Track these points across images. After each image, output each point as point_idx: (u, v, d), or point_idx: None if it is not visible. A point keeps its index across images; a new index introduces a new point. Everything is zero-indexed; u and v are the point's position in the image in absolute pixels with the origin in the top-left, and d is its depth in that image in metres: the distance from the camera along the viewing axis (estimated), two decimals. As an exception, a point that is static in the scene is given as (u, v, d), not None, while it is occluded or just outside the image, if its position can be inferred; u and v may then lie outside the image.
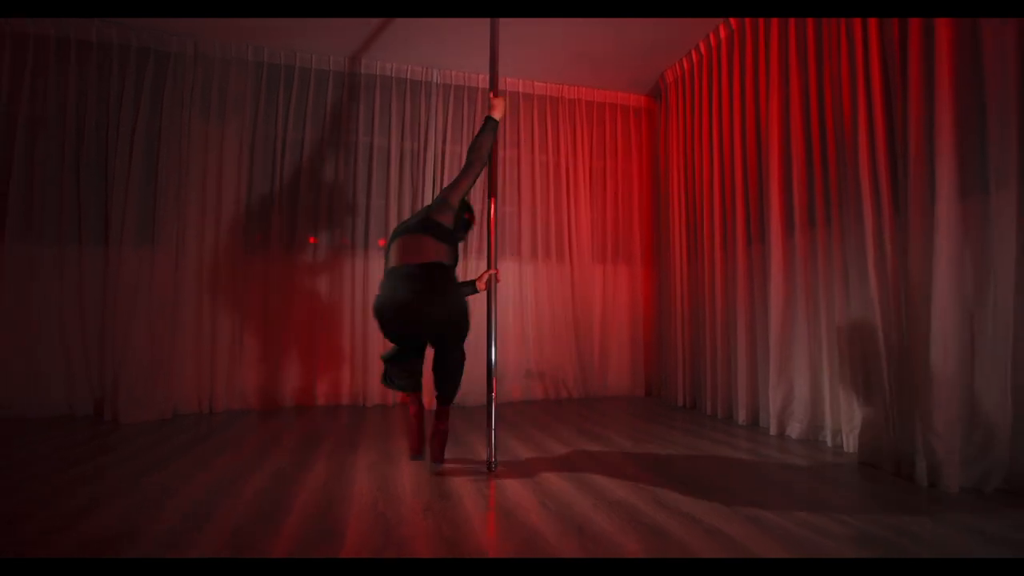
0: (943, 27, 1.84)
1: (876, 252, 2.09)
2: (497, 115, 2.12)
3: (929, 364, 1.81)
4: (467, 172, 2.04)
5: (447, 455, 2.17)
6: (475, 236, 3.61)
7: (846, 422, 2.29)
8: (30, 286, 2.88)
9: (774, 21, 2.74)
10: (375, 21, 3.10)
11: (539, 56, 3.52)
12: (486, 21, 2.41)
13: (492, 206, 2.07)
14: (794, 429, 2.60)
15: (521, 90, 3.88)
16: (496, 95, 2.15)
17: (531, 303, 3.75)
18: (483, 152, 2.05)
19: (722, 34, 3.18)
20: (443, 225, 1.99)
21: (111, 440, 2.41)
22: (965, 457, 1.74)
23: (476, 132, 2.18)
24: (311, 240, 3.42)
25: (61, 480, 1.80)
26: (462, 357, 2.00)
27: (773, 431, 2.66)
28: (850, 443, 2.26)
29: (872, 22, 2.14)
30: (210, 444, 2.36)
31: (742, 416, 2.93)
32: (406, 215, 3.57)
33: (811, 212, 2.57)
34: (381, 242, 3.52)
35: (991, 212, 1.74)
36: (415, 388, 2.18)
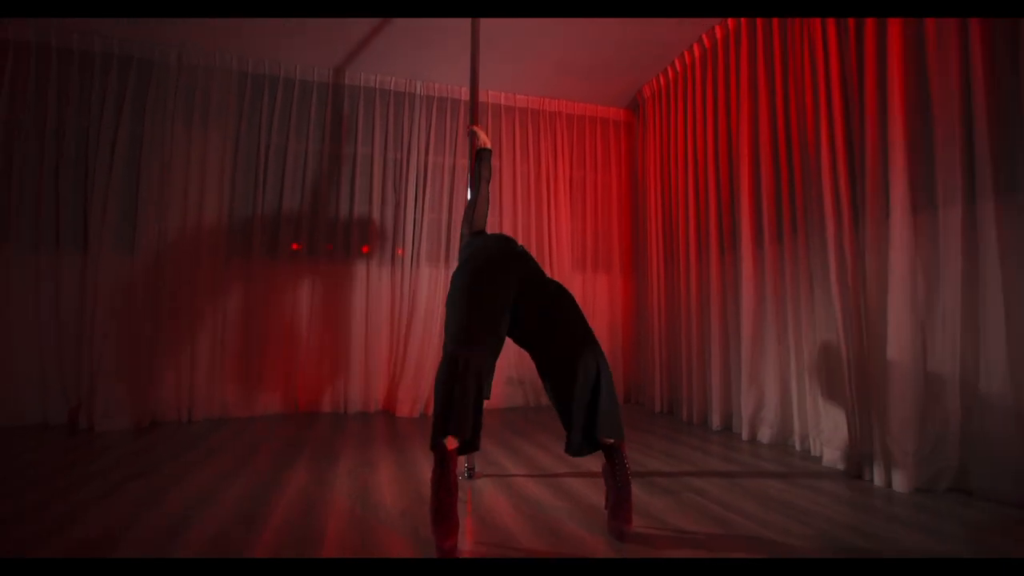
0: (894, 45, 1.96)
1: (838, 264, 2.18)
2: (487, 145, 2.20)
3: (886, 370, 1.91)
4: (477, 199, 2.10)
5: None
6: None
7: (812, 427, 2.38)
8: (5, 292, 2.85)
9: (744, 41, 2.86)
10: (357, 33, 3.15)
11: (520, 69, 3.61)
12: (467, 33, 2.47)
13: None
14: (764, 434, 2.68)
15: (503, 103, 3.95)
16: (476, 124, 2.24)
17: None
18: (486, 176, 2.14)
19: (696, 52, 3.29)
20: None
21: (81, 454, 2.40)
22: (918, 460, 1.83)
23: (472, 164, 2.22)
24: (294, 247, 3.44)
25: (39, 492, 1.80)
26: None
27: (745, 436, 2.74)
28: (816, 447, 2.35)
29: (832, 41, 2.25)
30: (183, 459, 2.36)
31: (716, 422, 3.00)
32: (388, 222, 3.62)
33: (779, 224, 2.67)
34: (365, 248, 3.55)
35: (939, 227, 1.84)
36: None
